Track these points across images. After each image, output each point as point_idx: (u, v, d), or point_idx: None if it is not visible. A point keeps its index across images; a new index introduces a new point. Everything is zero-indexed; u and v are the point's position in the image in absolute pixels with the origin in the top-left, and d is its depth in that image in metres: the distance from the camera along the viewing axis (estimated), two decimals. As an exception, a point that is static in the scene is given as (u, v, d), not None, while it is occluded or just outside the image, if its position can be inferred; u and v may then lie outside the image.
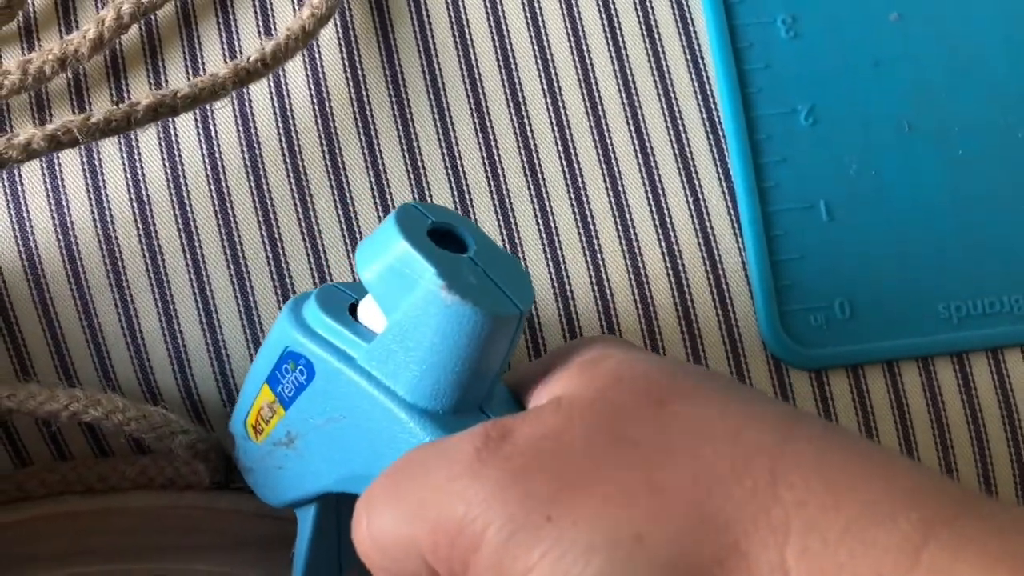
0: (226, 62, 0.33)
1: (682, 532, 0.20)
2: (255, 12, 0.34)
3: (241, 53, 0.33)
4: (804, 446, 0.22)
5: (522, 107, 0.34)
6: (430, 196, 0.33)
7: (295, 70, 0.33)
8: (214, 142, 0.32)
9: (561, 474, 0.22)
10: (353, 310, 0.27)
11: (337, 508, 0.29)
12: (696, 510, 0.21)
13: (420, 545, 0.22)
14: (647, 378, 0.24)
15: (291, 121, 0.33)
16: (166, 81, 0.33)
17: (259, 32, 0.34)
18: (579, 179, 0.33)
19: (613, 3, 0.35)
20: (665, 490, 0.21)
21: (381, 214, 0.32)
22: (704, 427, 0.22)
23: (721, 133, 0.34)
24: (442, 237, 0.26)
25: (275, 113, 0.33)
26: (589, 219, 0.33)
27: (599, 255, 0.33)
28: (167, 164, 0.32)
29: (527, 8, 0.34)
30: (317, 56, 0.33)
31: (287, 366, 0.27)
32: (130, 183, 0.32)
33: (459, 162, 0.33)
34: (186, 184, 0.32)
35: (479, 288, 0.24)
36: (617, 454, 0.22)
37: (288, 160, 0.32)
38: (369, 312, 0.26)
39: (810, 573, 0.20)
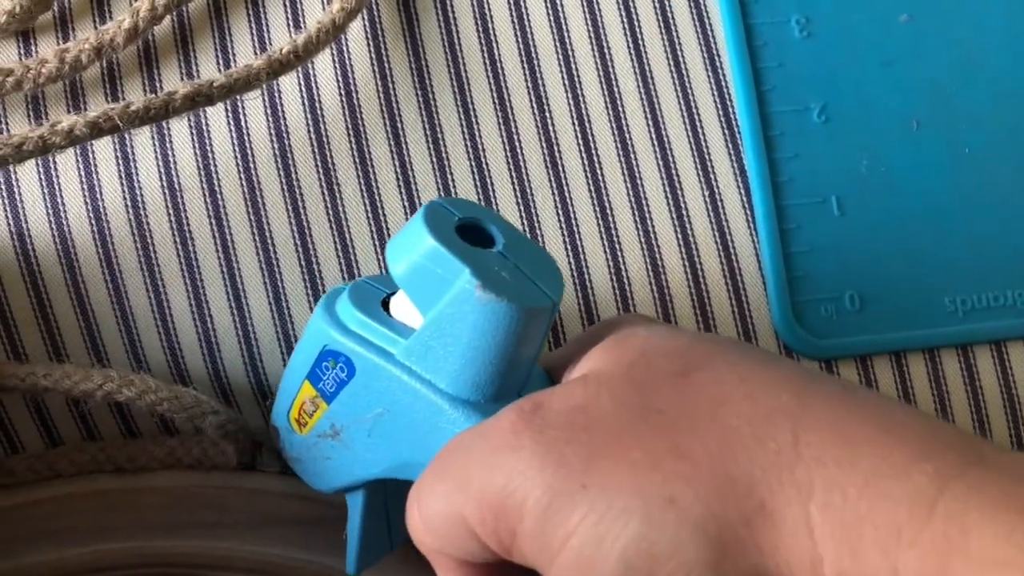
0: (256, 54, 0.34)
1: (710, 493, 0.21)
2: (284, 6, 0.34)
3: (271, 45, 0.34)
4: (821, 405, 0.23)
5: (544, 102, 0.35)
6: (454, 187, 0.34)
7: (324, 63, 0.34)
8: (244, 132, 0.33)
9: (592, 443, 0.23)
10: (386, 305, 0.28)
11: (385, 489, 0.30)
12: (722, 472, 0.22)
13: (469, 521, 0.23)
14: (670, 351, 0.25)
15: (319, 113, 0.34)
16: (197, 72, 0.34)
17: (288, 25, 0.34)
18: (598, 171, 0.34)
19: (632, 3, 0.36)
20: (691, 454, 0.22)
21: (407, 204, 0.33)
22: (725, 393, 0.23)
23: (736, 129, 0.35)
24: (469, 232, 0.26)
25: (304, 105, 0.34)
26: (608, 210, 0.34)
27: (617, 245, 0.34)
28: (198, 153, 0.33)
29: (549, 5, 0.35)
30: (345, 49, 0.34)
31: (327, 364, 0.27)
32: (162, 171, 0.33)
33: (482, 154, 0.34)
34: (217, 172, 0.33)
35: (512, 283, 0.25)
36: (643, 423, 0.23)
37: (316, 151, 0.33)
38: (403, 308, 0.27)
39: (833, 526, 0.21)
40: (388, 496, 0.30)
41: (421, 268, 0.25)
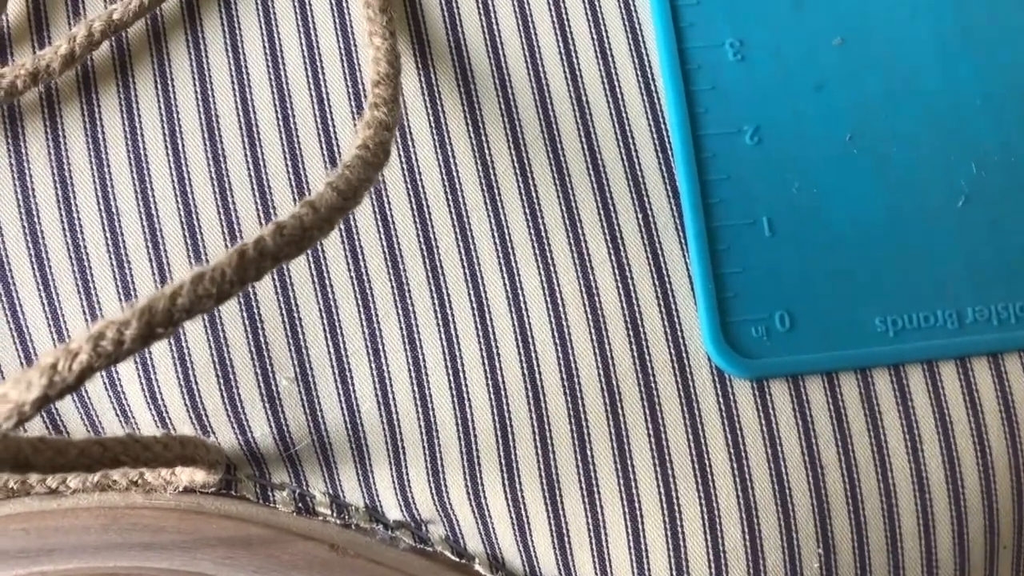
0: (194, 81, 0.34)
1: None
2: (223, 32, 0.35)
3: (209, 71, 0.35)
4: None
5: (480, 126, 0.35)
6: (389, 204, 0.34)
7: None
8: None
9: None
10: None
11: None
12: None
13: None
14: None
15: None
16: (136, 95, 0.34)
17: (227, 51, 0.35)
18: (534, 194, 0.35)
19: (569, 27, 0.36)
20: None
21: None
22: None
23: (670, 152, 0.35)
24: None
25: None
26: (543, 232, 0.34)
27: (552, 268, 0.34)
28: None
29: (486, 31, 0.36)
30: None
31: None
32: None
33: (418, 176, 0.34)
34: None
35: None
36: None
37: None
38: None
39: None
40: None
41: None
